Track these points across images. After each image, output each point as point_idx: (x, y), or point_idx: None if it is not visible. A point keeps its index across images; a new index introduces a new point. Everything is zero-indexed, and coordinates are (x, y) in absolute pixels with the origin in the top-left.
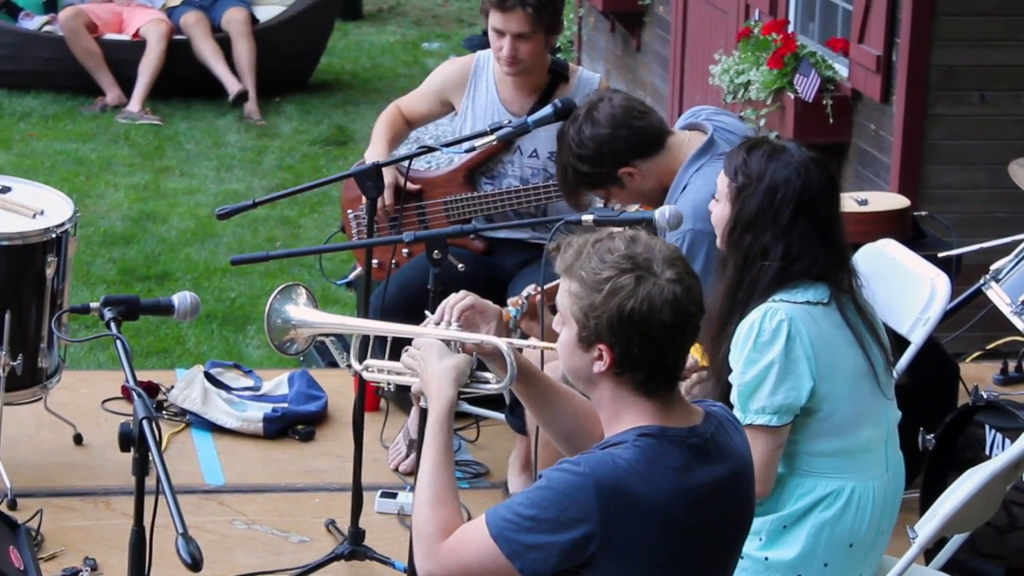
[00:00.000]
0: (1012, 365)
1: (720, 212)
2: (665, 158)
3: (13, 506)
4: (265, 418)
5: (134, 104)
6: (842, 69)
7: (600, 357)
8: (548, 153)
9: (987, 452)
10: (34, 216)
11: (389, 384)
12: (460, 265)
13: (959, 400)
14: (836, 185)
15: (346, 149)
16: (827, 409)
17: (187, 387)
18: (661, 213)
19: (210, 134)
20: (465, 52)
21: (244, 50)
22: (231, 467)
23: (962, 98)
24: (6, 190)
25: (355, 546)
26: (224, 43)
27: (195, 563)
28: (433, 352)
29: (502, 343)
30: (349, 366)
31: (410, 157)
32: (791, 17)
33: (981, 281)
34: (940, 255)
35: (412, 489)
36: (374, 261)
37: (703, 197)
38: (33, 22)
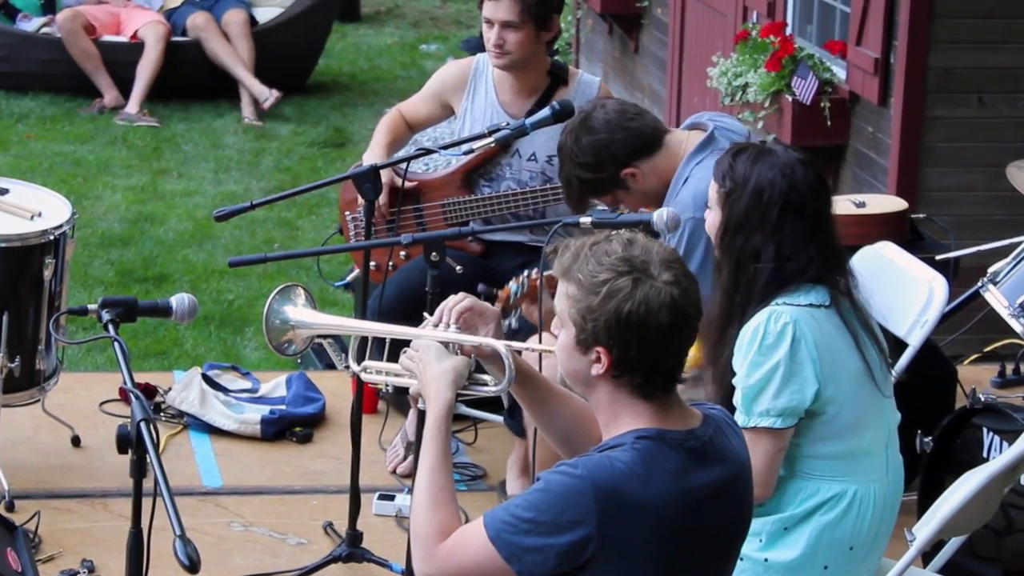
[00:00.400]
0: (1010, 368)
1: (712, 219)
2: (665, 156)
3: (11, 508)
4: (263, 420)
5: (132, 106)
6: (840, 71)
7: (598, 360)
8: (547, 156)
9: (985, 455)
10: (32, 218)
11: (387, 385)
12: (458, 267)
13: (957, 403)
14: (824, 185)
15: (344, 151)
16: (831, 412)
17: (185, 389)
18: (659, 215)
19: (208, 136)
20: (463, 54)
21: (245, 51)
22: (229, 469)
23: (960, 100)
24: (4, 192)
25: (353, 548)
26: None
27: (193, 565)
28: (431, 354)
29: (501, 345)
30: (347, 367)
31: (408, 159)
32: (789, 19)
33: (979, 284)
34: (938, 257)
35: (410, 491)
36: (372, 263)
37: (703, 187)
38: (31, 23)
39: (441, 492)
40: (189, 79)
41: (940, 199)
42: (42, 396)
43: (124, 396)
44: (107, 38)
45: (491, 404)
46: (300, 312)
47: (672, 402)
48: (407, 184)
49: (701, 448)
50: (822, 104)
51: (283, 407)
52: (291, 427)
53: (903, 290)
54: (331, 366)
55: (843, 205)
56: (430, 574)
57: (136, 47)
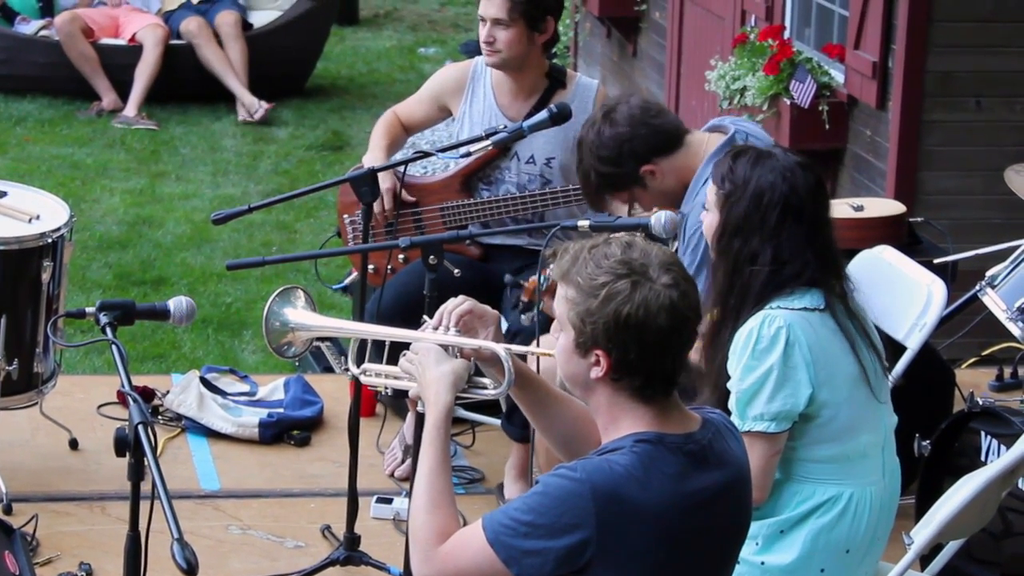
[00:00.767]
0: (1008, 371)
1: (709, 221)
2: (685, 155)
3: (8, 511)
4: (261, 423)
5: (130, 109)
6: (838, 75)
7: (597, 363)
8: (545, 159)
9: (983, 458)
10: (30, 221)
11: (386, 388)
12: (456, 271)
13: (955, 406)
14: (823, 189)
15: (342, 154)
16: (826, 415)
17: (183, 392)
18: (657, 219)
19: (206, 139)
20: (461, 57)
21: (236, 53)
22: (226, 472)
23: (958, 104)
24: (2, 195)
25: (350, 551)
26: None
27: (190, 568)
28: (431, 357)
29: (500, 348)
30: (347, 370)
31: (406, 162)
32: (787, 23)
33: (977, 287)
34: (936, 261)
35: (408, 495)
36: (370, 266)
37: None
38: (29, 26)
39: (440, 495)
40: (187, 82)
41: (938, 203)
42: (40, 399)
43: (122, 399)
44: (105, 41)
45: (489, 407)
46: (300, 314)
47: (671, 405)
48: (406, 187)
49: (700, 452)
50: (820, 108)
51: (281, 410)
52: (289, 430)
53: (901, 294)
54: (329, 369)
55: (841, 209)
56: None
57: (134, 50)
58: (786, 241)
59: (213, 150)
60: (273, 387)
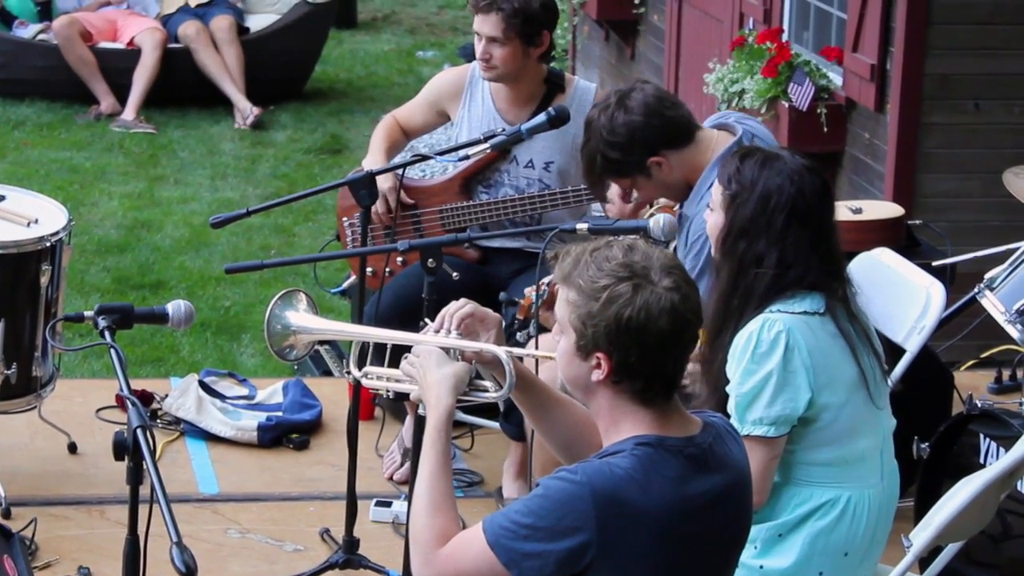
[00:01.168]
0: (1006, 374)
1: (714, 221)
2: (693, 152)
3: (7, 515)
4: (259, 427)
5: (128, 112)
6: (836, 78)
7: (598, 366)
8: (544, 163)
9: (981, 461)
10: (28, 225)
11: (388, 391)
12: (454, 274)
13: (953, 409)
14: (830, 193)
15: (340, 157)
16: (826, 419)
17: (181, 396)
18: (655, 222)
19: (204, 142)
20: (459, 61)
21: (232, 58)
22: (225, 476)
23: (956, 107)
24: (0, 199)
25: (349, 555)
26: None
27: (189, 572)
28: (432, 360)
29: (501, 351)
30: (348, 373)
31: (404, 165)
32: (785, 26)
33: (975, 290)
34: (934, 264)
35: (407, 498)
36: (368, 269)
37: None
38: (27, 30)
39: (441, 498)
40: (186, 86)
41: (937, 205)
42: (39, 403)
43: (121, 403)
44: (103, 45)
45: (488, 410)
46: (302, 317)
47: (672, 409)
48: (405, 190)
49: (701, 455)
50: (819, 110)
51: (280, 414)
52: (288, 434)
53: (900, 296)
54: (328, 373)
55: (840, 211)
56: None
57: (132, 54)
58: (791, 244)
59: (211, 154)
60: (272, 391)
